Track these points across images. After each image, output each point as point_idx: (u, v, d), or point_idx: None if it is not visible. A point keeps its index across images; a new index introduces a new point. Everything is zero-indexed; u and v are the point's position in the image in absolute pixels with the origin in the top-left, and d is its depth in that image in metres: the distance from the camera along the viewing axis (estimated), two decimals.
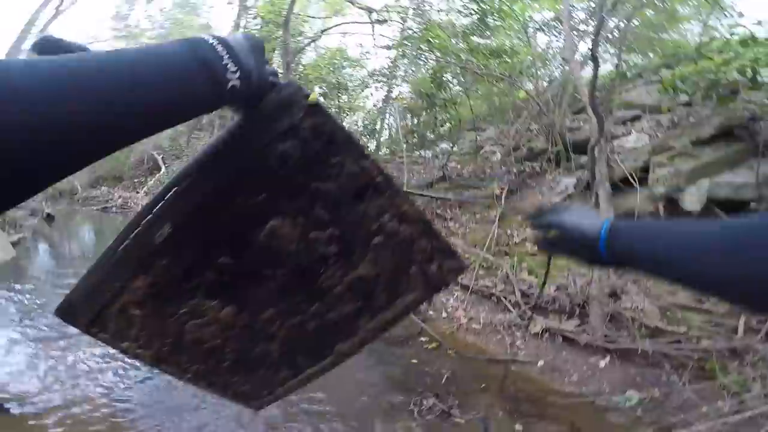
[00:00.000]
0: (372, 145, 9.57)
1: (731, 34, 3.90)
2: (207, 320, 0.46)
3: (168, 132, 14.44)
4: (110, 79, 0.29)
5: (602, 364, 2.75)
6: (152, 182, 11.23)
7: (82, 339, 2.57)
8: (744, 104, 3.66)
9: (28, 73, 0.27)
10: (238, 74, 0.37)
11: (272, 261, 0.45)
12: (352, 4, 9.30)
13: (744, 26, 3.93)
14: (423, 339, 3.17)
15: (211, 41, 0.37)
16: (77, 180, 12.54)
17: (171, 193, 0.39)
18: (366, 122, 9.86)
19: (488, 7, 6.80)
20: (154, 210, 0.40)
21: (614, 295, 3.11)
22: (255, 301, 0.47)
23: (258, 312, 0.48)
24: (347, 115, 9.93)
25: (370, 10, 8.92)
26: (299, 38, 9.51)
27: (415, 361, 2.93)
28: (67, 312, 0.43)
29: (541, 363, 2.84)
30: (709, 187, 3.35)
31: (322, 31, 9.91)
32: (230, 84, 0.36)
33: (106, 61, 0.30)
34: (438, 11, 8.12)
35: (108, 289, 0.42)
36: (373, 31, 9.07)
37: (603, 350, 2.80)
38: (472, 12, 6.98)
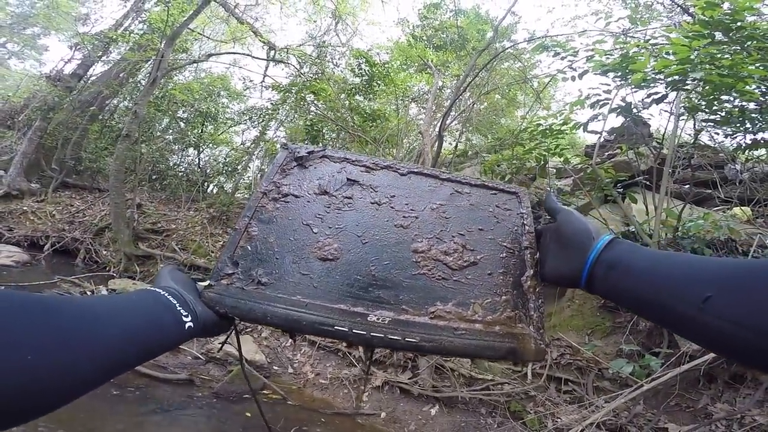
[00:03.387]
0: (228, 185, 9.15)
1: (537, 125, 4.48)
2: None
3: None
4: (123, 350, 0.41)
5: (433, 412, 3.16)
6: None
7: None
8: (535, 189, 4.49)
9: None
10: (189, 317, 0.50)
11: None
12: (256, 35, 9.27)
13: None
14: (266, 392, 3.19)
15: (162, 293, 0.50)
16: None
17: None
18: (228, 159, 9.53)
19: (378, 72, 7.68)
20: None
21: None
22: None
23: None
24: (208, 147, 9.43)
25: (271, 47, 9.05)
26: (182, 55, 9.09)
27: (248, 414, 2.93)
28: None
29: (383, 414, 3.13)
30: None
31: (210, 55, 9.55)
32: (186, 325, 0.49)
33: (114, 332, 0.41)
34: (335, 66, 8.84)
35: None
36: (266, 68, 9.12)
37: (433, 399, 3.25)
38: (364, 73, 7.78)
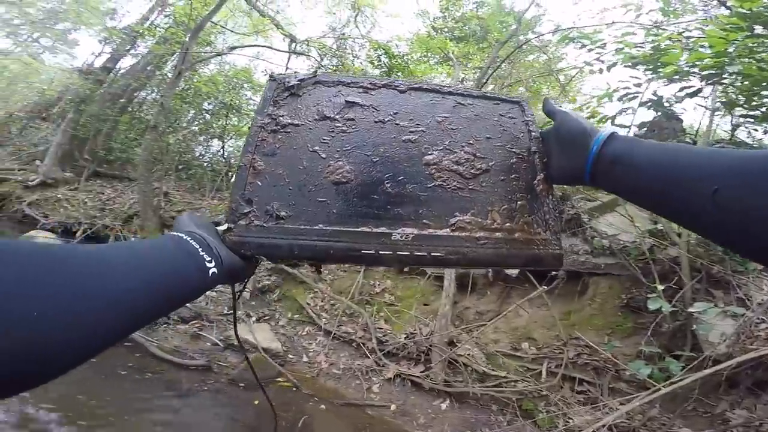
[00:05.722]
0: None
1: None
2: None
3: None
4: (141, 299, 0.38)
5: (444, 406, 3.18)
6: None
7: None
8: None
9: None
10: (213, 263, 0.47)
11: None
12: (278, 28, 9.40)
13: None
14: (279, 380, 3.26)
15: (184, 237, 0.47)
16: None
17: None
18: None
19: (397, 64, 7.60)
20: None
21: (452, 343, 3.68)
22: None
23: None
24: (232, 138, 9.64)
25: (293, 39, 9.17)
26: (207, 48, 9.26)
27: (257, 402, 2.99)
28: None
29: (393, 407, 3.17)
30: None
31: (232, 48, 9.71)
32: (210, 272, 0.47)
33: (134, 282, 0.38)
34: (354, 57, 8.83)
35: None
36: (288, 60, 9.26)
37: (444, 394, 3.26)
38: (383, 65, 7.72)
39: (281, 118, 0.66)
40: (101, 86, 9.16)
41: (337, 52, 8.63)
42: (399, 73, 7.43)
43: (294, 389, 3.19)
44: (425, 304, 4.29)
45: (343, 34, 9.41)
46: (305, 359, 3.69)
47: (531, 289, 3.84)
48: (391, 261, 0.57)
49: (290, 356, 3.68)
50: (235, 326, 0.71)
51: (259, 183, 0.60)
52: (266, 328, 4.08)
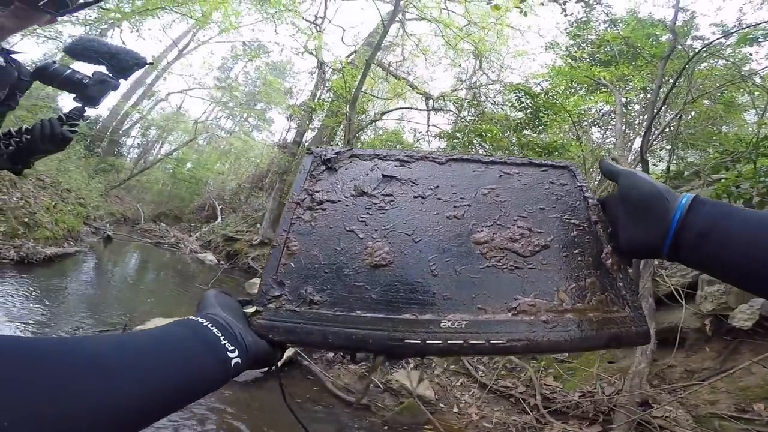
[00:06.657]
0: None
1: None
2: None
3: (231, 185, 16.31)
4: (139, 401, 0.33)
5: None
6: (206, 229, 12.24)
7: None
8: None
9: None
10: (236, 352, 0.43)
11: None
12: (413, 89, 10.41)
13: None
14: (427, 427, 3.25)
15: (204, 323, 0.43)
16: (143, 211, 14.14)
17: None
18: None
19: (542, 102, 7.22)
20: None
21: (645, 404, 3.10)
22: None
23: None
24: None
25: (428, 97, 9.92)
26: (362, 116, 10.58)
27: None
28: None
29: None
30: (762, 304, 3.22)
31: (383, 113, 11.01)
32: (233, 362, 0.42)
33: (140, 374, 0.35)
34: (493, 103, 8.86)
35: None
36: (428, 118, 9.98)
37: None
38: (526, 106, 7.43)
39: (317, 194, 0.65)
40: (294, 158, 11.42)
41: (473, 102, 8.73)
42: (547, 111, 6.99)
43: None
44: (610, 362, 3.76)
45: (474, 82, 9.54)
46: (456, 409, 3.61)
47: None
48: (441, 351, 0.51)
49: (441, 405, 3.65)
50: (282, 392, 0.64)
51: (293, 264, 0.57)
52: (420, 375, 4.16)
